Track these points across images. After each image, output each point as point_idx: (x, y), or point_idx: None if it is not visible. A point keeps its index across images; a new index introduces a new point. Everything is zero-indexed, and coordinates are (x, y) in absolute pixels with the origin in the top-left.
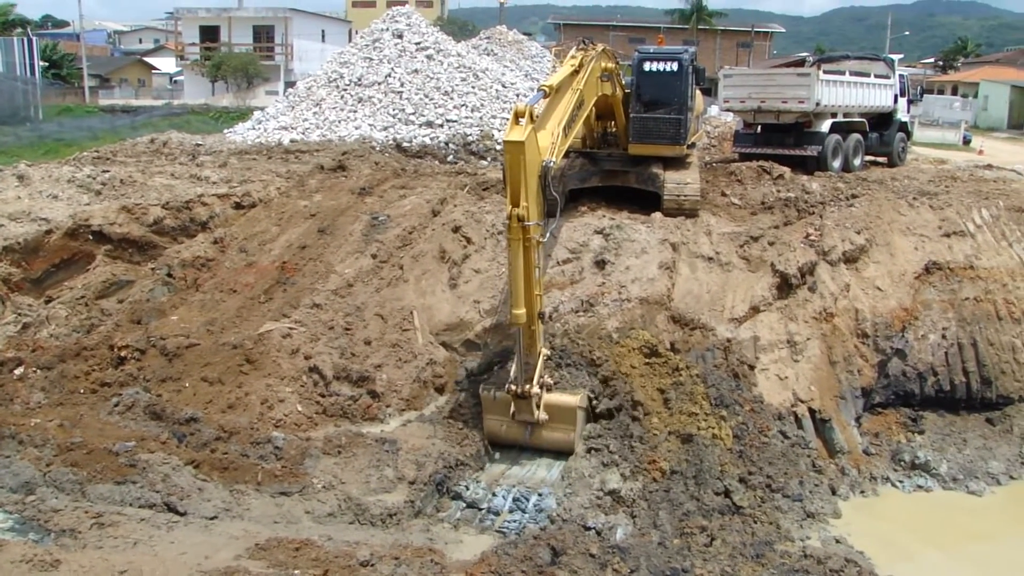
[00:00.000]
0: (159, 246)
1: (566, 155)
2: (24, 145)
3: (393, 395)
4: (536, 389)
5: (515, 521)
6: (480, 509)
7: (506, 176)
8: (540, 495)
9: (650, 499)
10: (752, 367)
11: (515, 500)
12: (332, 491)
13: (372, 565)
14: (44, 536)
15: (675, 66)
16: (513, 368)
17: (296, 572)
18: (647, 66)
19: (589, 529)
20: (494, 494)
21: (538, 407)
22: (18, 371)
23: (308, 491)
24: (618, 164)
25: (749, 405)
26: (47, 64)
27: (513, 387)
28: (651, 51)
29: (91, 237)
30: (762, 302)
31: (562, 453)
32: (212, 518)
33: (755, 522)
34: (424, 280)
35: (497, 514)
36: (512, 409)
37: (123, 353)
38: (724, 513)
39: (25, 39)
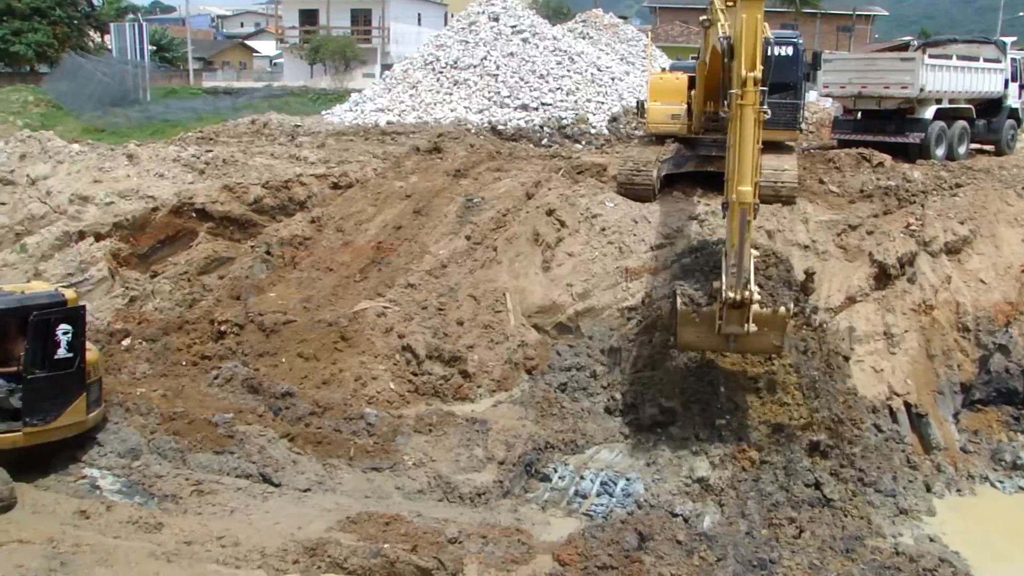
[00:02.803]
0: (259, 224)
1: (661, 141)
2: (133, 126)
3: (484, 376)
4: (756, 295)
5: (602, 505)
6: (568, 492)
7: (738, 42)
8: (628, 480)
9: (739, 488)
10: (847, 358)
11: (603, 484)
12: (422, 468)
13: (460, 542)
14: (148, 500)
15: (791, 50)
16: (724, 276)
17: (386, 546)
18: None
19: (676, 516)
20: (582, 477)
21: (748, 319)
22: (125, 342)
23: (399, 467)
24: (714, 149)
25: (843, 397)
26: (155, 48)
27: (731, 294)
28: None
29: (194, 215)
30: (859, 292)
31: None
32: (305, 490)
33: (845, 516)
34: (517, 262)
35: (584, 497)
36: (719, 322)
37: (223, 327)
38: (814, 505)
39: (136, 25)
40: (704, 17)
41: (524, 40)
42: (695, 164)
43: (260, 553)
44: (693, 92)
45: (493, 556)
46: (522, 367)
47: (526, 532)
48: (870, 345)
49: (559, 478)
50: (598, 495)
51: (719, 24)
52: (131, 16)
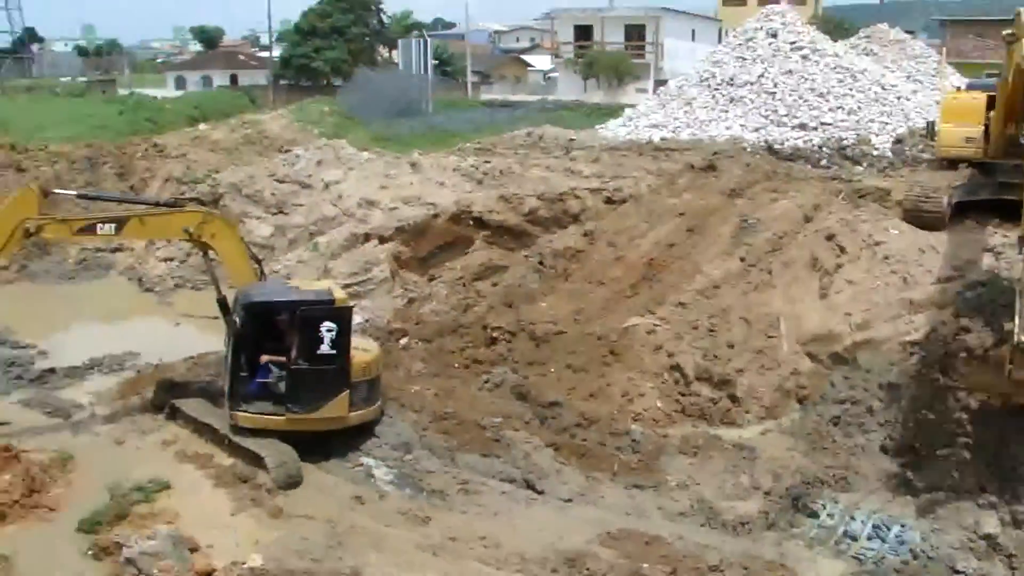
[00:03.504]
0: (532, 235)
1: (953, 166)
2: (416, 135)
3: (753, 402)
4: None
5: (873, 550)
6: (836, 531)
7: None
8: (903, 526)
9: None
10: None
11: (875, 527)
12: (686, 491)
13: (721, 571)
14: (418, 493)
15: None
16: (1017, 318)
17: (645, 566)
18: None
19: (958, 573)
20: (852, 517)
21: None
22: (403, 341)
23: (662, 488)
24: (1015, 176)
25: None
26: (437, 62)
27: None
28: None
29: (472, 222)
30: None
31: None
32: (567, 500)
33: None
34: (793, 287)
35: (854, 539)
36: (1009, 366)
37: (495, 334)
38: None
39: (421, 40)
40: (1008, 31)
41: (804, 57)
42: (991, 191)
43: (520, 558)
44: (991, 113)
45: None
46: (793, 395)
47: (790, 569)
48: None
49: (827, 516)
50: (869, 538)
51: None
52: (416, 32)
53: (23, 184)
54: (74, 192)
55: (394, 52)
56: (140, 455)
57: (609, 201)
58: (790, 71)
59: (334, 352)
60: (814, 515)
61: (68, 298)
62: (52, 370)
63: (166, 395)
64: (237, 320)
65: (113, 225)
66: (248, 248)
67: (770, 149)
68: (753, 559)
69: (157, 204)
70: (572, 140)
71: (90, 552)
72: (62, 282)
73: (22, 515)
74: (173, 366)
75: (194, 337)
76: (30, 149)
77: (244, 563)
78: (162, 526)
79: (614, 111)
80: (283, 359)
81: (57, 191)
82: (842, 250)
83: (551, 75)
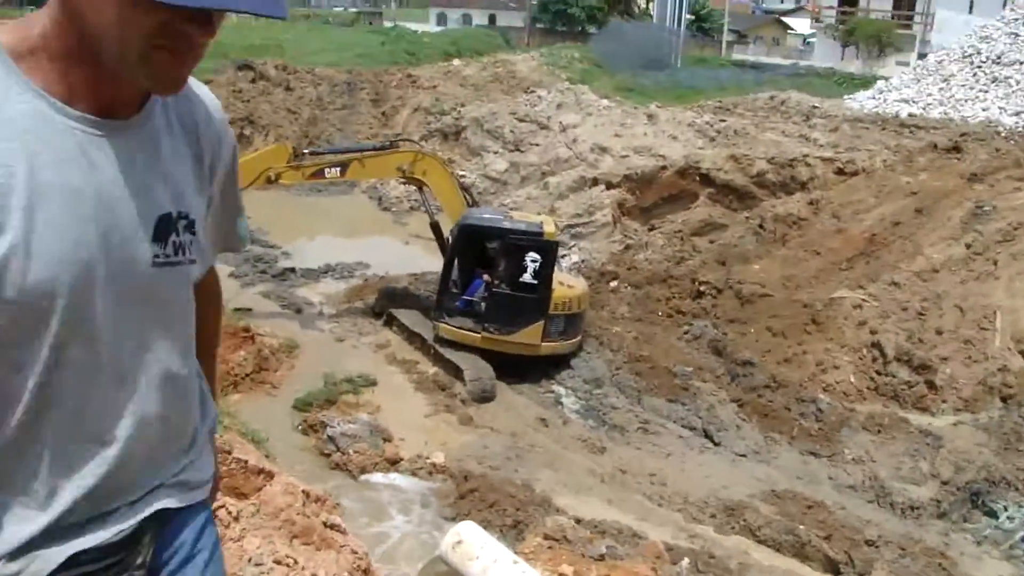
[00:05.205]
0: (756, 197)
1: None
2: (659, 88)
3: (952, 392)
4: None
5: None
6: (1014, 535)
7: None
8: None
9: None
10: None
11: None
12: (860, 465)
13: (876, 547)
14: (599, 426)
15: None
16: None
17: (801, 527)
18: None
19: None
20: None
21: None
22: (613, 284)
23: (837, 459)
24: None
25: None
26: (693, 17)
27: None
28: None
29: (698, 178)
30: None
31: None
32: (741, 455)
33: None
34: (1018, 281)
35: None
36: None
37: (702, 288)
38: None
39: None
40: None
41: None
42: None
43: (683, 499)
44: None
45: (907, 570)
46: (997, 393)
47: (951, 559)
48: None
49: (1007, 518)
50: None
51: None
52: None
53: (280, 142)
54: (307, 150)
55: (651, 4)
56: (355, 352)
57: (840, 172)
58: None
59: (535, 282)
60: (992, 515)
61: (314, 209)
62: (292, 270)
63: (386, 303)
64: (451, 239)
65: (338, 168)
66: (458, 181)
67: None
68: (914, 542)
69: (375, 149)
70: (815, 108)
71: (299, 427)
72: (311, 194)
73: (250, 387)
74: (397, 279)
75: (419, 256)
76: (299, 71)
77: (428, 458)
78: (363, 415)
79: (867, 82)
80: (490, 280)
81: (305, 151)
82: None
83: (810, 39)
